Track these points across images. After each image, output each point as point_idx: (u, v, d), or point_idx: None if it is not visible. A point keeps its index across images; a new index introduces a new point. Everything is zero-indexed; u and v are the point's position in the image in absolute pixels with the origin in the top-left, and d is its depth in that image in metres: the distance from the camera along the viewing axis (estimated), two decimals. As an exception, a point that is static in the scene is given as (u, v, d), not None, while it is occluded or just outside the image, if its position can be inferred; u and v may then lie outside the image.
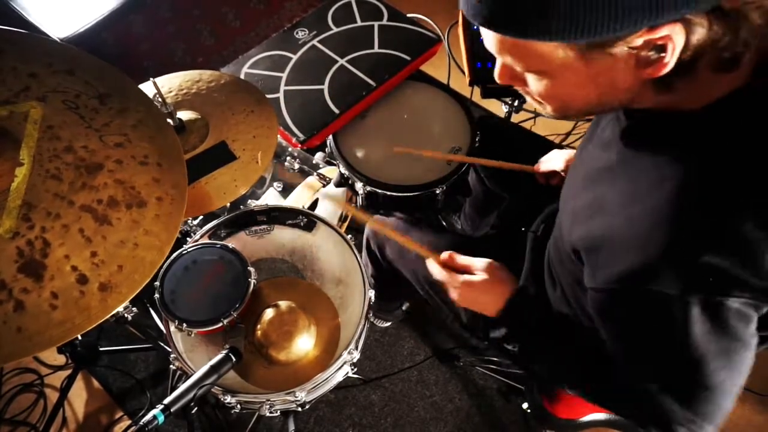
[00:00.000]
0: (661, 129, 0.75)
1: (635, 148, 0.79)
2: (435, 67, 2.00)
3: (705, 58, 0.63)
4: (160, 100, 1.27)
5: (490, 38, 0.69)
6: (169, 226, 1.02)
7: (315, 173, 1.83)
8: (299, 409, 1.29)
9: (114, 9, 1.91)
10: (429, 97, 1.73)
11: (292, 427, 1.67)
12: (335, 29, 1.77)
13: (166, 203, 1.04)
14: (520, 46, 0.66)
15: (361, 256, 1.36)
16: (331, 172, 1.83)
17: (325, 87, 1.63)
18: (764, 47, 0.64)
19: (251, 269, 1.24)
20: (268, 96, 1.57)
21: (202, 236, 1.38)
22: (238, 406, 1.24)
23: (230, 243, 1.31)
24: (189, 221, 1.66)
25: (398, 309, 1.96)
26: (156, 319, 1.79)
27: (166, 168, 1.07)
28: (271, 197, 1.82)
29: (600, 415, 1.40)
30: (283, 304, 1.27)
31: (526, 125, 2.08)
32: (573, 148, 2.10)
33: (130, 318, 1.44)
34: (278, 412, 1.28)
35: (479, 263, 1.11)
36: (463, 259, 1.13)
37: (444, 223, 2.13)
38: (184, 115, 1.40)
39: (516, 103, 1.82)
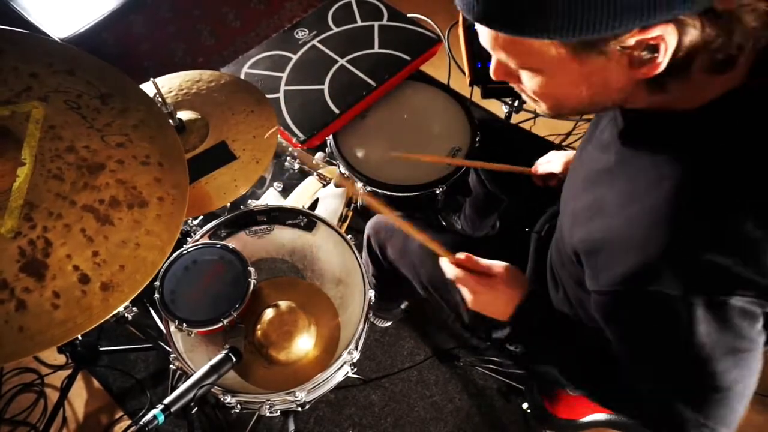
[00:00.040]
0: (658, 129, 0.75)
1: (633, 148, 0.79)
2: (435, 67, 2.00)
3: (698, 59, 0.63)
4: (160, 100, 1.27)
5: (484, 34, 0.69)
6: (170, 225, 1.02)
7: (315, 173, 1.83)
8: (299, 409, 1.29)
9: (114, 9, 1.91)
10: (429, 97, 1.73)
11: (292, 427, 1.68)
12: (335, 29, 1.77)
13: (168, 203, 1.04)
14: (515, 42, 0.66)
15: (361, 256, 1.36)
16: (331, 172, 1.83)
17: (326, 87, 1.63)
18: (759, 49, 0.64)
19: (251, 269, 1.24)
20: (268, 96, 1.58)
21: (202, 236, 1.38)
22: (238, 406, 1.24)
23: (230, 243, 1.31)
24: (189, 221, 1.66)
25: (398, 309, 1.96)
26: (156, 319, 1.79)
27: (167, 168, 1.07)
28: (271, 197, 1.81)
29: (600, 416, 1.40)
30: (283, 304, 1.27)
31: (526, 125, 2.09)
32: (573, 148, 2.11)
33: (130, 318, 1.44)
34: (278, 412, 1.29)
35: (497, 267, 1.08)
36: (482, 262, 1.09)
37: (444, 223, 2.13)
38: (184, 115, 1.40)
39: (516, 104, 1.83)
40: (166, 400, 0.98)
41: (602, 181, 0.84)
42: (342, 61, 1.68)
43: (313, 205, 1.77)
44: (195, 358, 1.24)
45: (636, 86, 0.69)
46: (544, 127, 2.13)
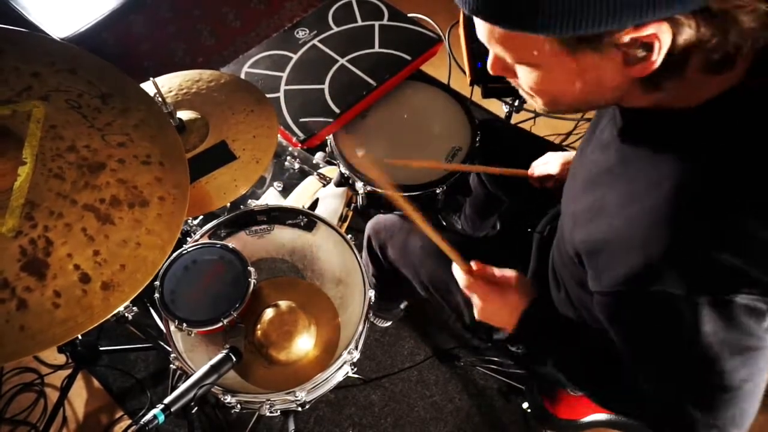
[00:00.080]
0: (657, 128, 0.75)
1: (633, 148, 0.79)
2: (435, 67, 2.00)
3: (694, 58, 0.63)
4: (160, 99, 1.27)
5: (481, 28, 0.69)
6: (171, 225, 1.02)
7: (315, 173, 1.83)
8: (299, 409, 1.29)
9: (114, 9, 1.91)
10: (429, 97, 1.73)
11: (292, 427, 1.68)
12: (336, 29, 1.77)
13: (168, 202, 1.04)
14: (510, 37, 0.66)
15: (361, 256, 1.37)
16: (331, 171, 1.83)
17: (326, 86, 1.63)
18: (758, 49, 0.64)
19: (251, 269, 1.24)
20: (269, 96, 1.58)
21: (202, 236, 1.38)
22: (238, 405, 1.24)
23: (230, 243, 1.31)
24: (189, 221, 1.66)
25: (398, 309, 1.97)
26: (156, 318, 1.79)
27: (168, 167, 1.07)
28: (271, 197, 1.82)
29: (601, 416, 1.40)
30: (283, 304, 1.27)
31: (526, 125, 2.09)
32: (573, 148, 2.11)
33: (130, 317, 1.44)
34: (278, 411, 1.28)
35: (508, 273, 1.09)
36: (495, 271, 1.10)
37: (444, 223, 2.13)
38: (184, 114, 1.40)
39: (516, 104, 1.83)
40: (166, 400, 0.98)
41: (602, 182, 0.84)
42: (342, 61, 1.69)
43: (313, 205, 1.77)
44: (195, 357, 1.25)
45: (631, 84, 0.69)
46: (544, 127, 2.13)
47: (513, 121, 1.96)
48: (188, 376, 1.06)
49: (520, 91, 0.80)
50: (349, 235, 1.38)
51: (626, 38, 0.60)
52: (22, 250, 0.90)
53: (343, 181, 1.68)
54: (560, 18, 0.58)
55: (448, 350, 1.97)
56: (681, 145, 0.71)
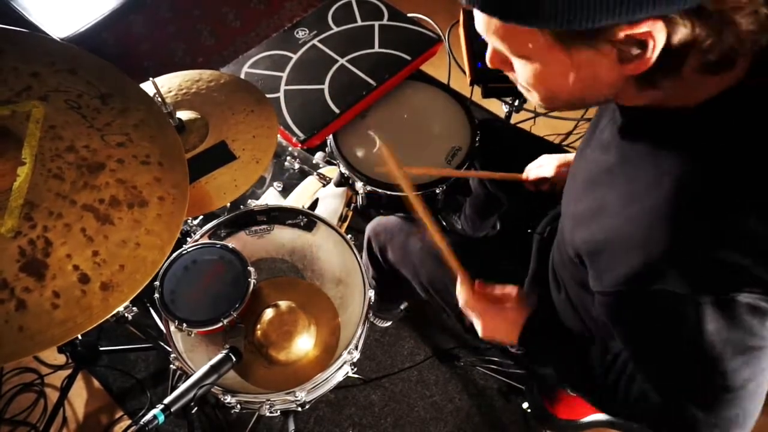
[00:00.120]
0: (657, 127, 0.75)
1: (633, 147, 0.79)
2: (435, 67, 2.00)
3: (691, 58, 0.63)
4: (159, 99, 1.27)
5: (479, 20, 0.69)
6: (170, 225, 1.02)
7: (315, 173, 1.83)
8: (299, 409, 1.29)
9: (114, 9, 1.91)
10: (429, 97, 1.73)
11: (292, 427, 1.67)
12: (335, 29, 1.77)
13: (168, 203, 1.04)
14: (507, 29, 0.66)
15: (361, 257, 1.36)
16: (331, 171, 1.83)
17: (326, 87, 1.63)
18: (757, 51, 0.64)
19: (251, 269, 1.24)
20: (269, 96, 1.58)
21: (202, 236, 1.38)
22: (238, 406, 1.24)
23: (230, 243, 1.31)
24: (189, 221, 1.66)
25: (398, 309, 1.97)
26: (156, 318, 1.79)
27: (167, 167, 1.07)
28: (271, 197, 1.82)
29: (601, 416, 1.40)
30: (283, 304, 1.27)
31: (526, 125, 2.09)
32: (573, 148, 2.11)
33: (130, 318, 1.44)
34: (278, 412, 1.28)
35: (508, 289, 1.12)
36: (497, 289, 1.13)
37: (444, 223, 2.13)
38: (184, 114, 1.40)
39: (516, 104, 1.83)
40: (166, 400, 0.98)
41: (603, 182, 0.84)
42: (342, 61, 1.68)
43: (313, 205, 1.77)
44: (195, 358, 1.24)
45: (626, 82, 0.69)
46: (544, 127, 2.13)
47: (513, 121, 1.96)
48: (188, 376, 1.06)
49: (518, 86, 0.80)
50: (349, 235, 1.38)
51: (621, 35, 0.60)
52: (21, 250, 0.90)
53: (343, 181, 1.68)
54: (554, 12, 0.58)
55: (448, 350, 1.97)
56: (681, 144, 0.71)
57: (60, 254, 0.92)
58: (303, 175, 1.87)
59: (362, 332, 1.29)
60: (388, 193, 1.56)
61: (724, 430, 0.79)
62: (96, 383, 1.92)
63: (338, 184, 1.71)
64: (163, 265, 1.13)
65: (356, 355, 1.30)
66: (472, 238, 1.93)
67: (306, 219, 1.43)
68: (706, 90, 0.68)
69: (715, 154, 0.68)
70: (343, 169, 1.60)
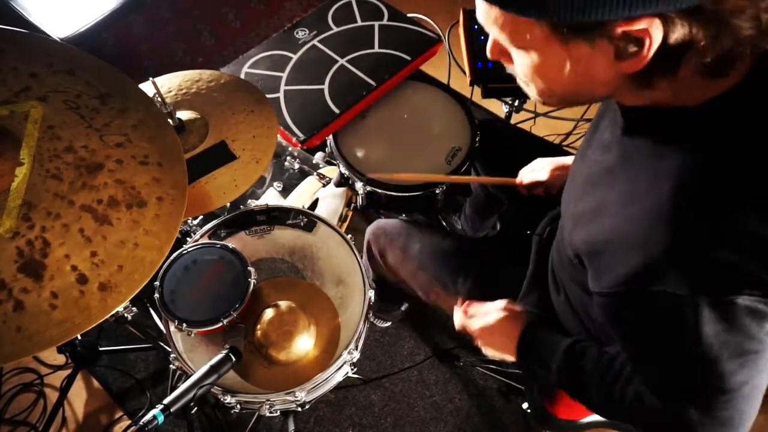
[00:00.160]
0: (657, 127, 0.75)
1: (633, 147, 0.79)
2: (435, 67, 2.00)
3: (688, 60, 0.63)
4: (159, 100, 1.27)
5: (480, 9, 0.70)
6: (169, 226, 1.02)
7: (315, 173, 1.83)
8: (299, 409, 1.29)
9: (114, 9, 1.91)
10: (429, 97, 1.73)
11: (292, 427, 1.67)
12: (335, 29, 1.77)
13: (167, 203, 1.03)
14: (507, 19, 0.67)
15: (361, 257, 1.36)
16: (331, 171, 1.83)
17: (326, 87, 1.63)
18: (757, 55, 0.64)
19: (251, 269, 1.24)
20: (268, 96, 1.57)
21: (202, 236, 1.37)
22: (238, 406, 1.24)
23: (230, 243, 1.31)
24: (189, 221, 1.66)
25: (398, 310, 1.97)
26: (156, 319, 1.79)
27: (166, 168, 1.07)
28: (271, 197, 1.81)
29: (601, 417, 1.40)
30: (283, 304, 1.27)
31: (526, 125, 2.09)
32: (573, 148, 2.11)
33: (130, 318, 1.44)
34: (278, 412, 1.28)
35: (492, 306, 1.16)
36: (485, 306, 1.18)
37: (444, 223, 2.13)
38: (184, 114, 1.40)
39: (516, 104, 1.83)
40: (166, 400, 0.97)
41: (603, 182, 0.84)
42: (342, 61, 1.68)
43: (313, 205, 1.77)
44: (195, 358, 1.24)
45: (623, 81, 0.69)
46: (544, 128, 2.13)
47: (513, 121, 1.96)
48: (188, 377, 1.05)
49: (517, 80, 0.80)
50: (349, 235, 1.38)
51: (618, 31, 0.60)
52: (19, 251, 0.90)
53: (343, 181, 1.68)
54: (552, 4, 0.59)
55: (448, 350, 1.97)
56: (682, 144, 0.71)
57: (58, 255, 0.92)
58: (303, 175, 1.86)
59: (362, 332, 1.29)
60: (388, 193, 1.55)
61: (719, 431, 0.79)
62: (96, 383, 1.92)
63: (338, 184, 1.71)
64: (163, 265, 1.13)
65: (356, 355, 1.30)
66: (472, 238, 1.93)
67: (306, 219, 1.43)
68: (707, 91, 0.68)
69: (715, 155, 0.68)
70: (343, 169, 1.60)
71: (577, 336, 1.06)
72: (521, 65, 0.74)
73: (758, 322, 0.70)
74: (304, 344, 1.23)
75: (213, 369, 1.07)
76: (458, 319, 1.22)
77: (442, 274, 1.34)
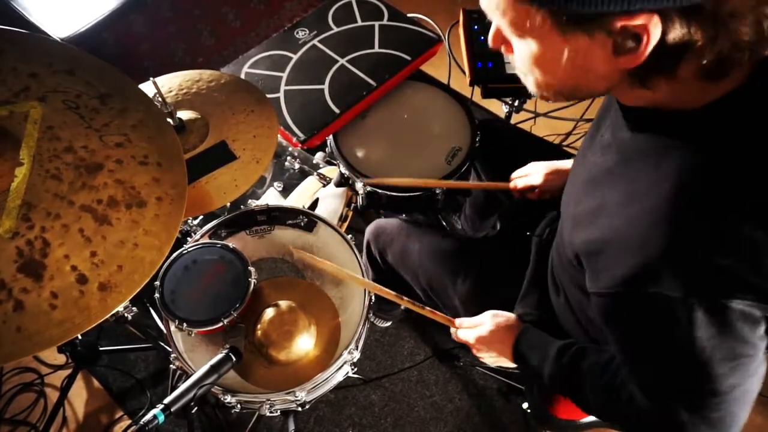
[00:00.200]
0: (657, 129, 0.75)
1: (634, 148, 0.79)
2: (435, 67, 2.00)
3: (685, 62, 0.63)
4: (160, 99, 1.27)
5: None
6: (168, 226, 1.02)
7: (315, 173, 1.83)
8: (299, 409, 1.29)
9: (114, 9, 1.91)
10: (429, 97, 1.73)
11: (292, 427, 1.67)
12: (335, 29, 1.77)
13: (166, 203, 1.03)
14: (508, 5, 0.67)
15: (361, 257, 1.36)
16: (332, 171, 1.83)
17: (326, 87, 1.63)
18: (757, 59, 0.64)
19: (251, 269, 1.24)
20: (269, 96, 1.57)
21: (202, 236, 1.37)
22: (238, 405, 1.24)
23: (231, 243, 1.31)
24: (189, 221, 1.66)
25: (398, 309, 1.96)
26: (156, 318, 1.79)
27: (166, 168, 1.07)
28: (271, 197, 1.81)
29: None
30: (284, 303, 1.27)
31: (526, 125, 2.09)
32: (573, 148, 2.11)
33: (130, 318, 1.44)
34: (278, 411, 1.28)
35: (479, 318, 1.19)
36: (468, 320, 1.22)
37: (444, 224, 2.13)
38: (184, 114, 1.40)
39: (516, 104, 1.82)
40: (166, 400, 0.98)
41: (603, 183, 0.84)
42: (342, 61, 1.68)
43: (314, 205, 1.77)
44: (195, 357, 1.24)
45: (620, 77, 0.70)
46: (544, 128, 2.13)
47: (513, 121, 1.96)
48: (188, 376, 1.06)
49: (516, 71, 0.80)
50: (349, 235, 1.38)
51: (617, 25, 0.61)
52: (18, 251, 0.90)
53: (343, 181, 1.67)
54: None
55: (448, 350, 1.97)
56: (683, 145, 0.71)
57: (58, 255, 0.92)
58: (303, 175, 1.86)
59: (362, 332, 1.29)
60: (388, 193, 1.55)
61: None
62: (96, 383, 1.92)
63: (338, 184, 1.71)
64: (163, 264, 1.13)
65: (356, 355, 1.30)
66: (472, 239, 1.93)
67: (306, 219, 1.43)
68: (707, 94, 0.68)
69: (715, 157, 0.68)
70: (343, 169, 1.60)
71: (576, 338, 1.06)
72: (521, 55, 0.74)
73: (751, 327, 0.70)
74: (304, 344, 1.23)
75: (213, 369, 1.07)
76: (454, 333, 1.25)
77: (441, 274, 1.34)
